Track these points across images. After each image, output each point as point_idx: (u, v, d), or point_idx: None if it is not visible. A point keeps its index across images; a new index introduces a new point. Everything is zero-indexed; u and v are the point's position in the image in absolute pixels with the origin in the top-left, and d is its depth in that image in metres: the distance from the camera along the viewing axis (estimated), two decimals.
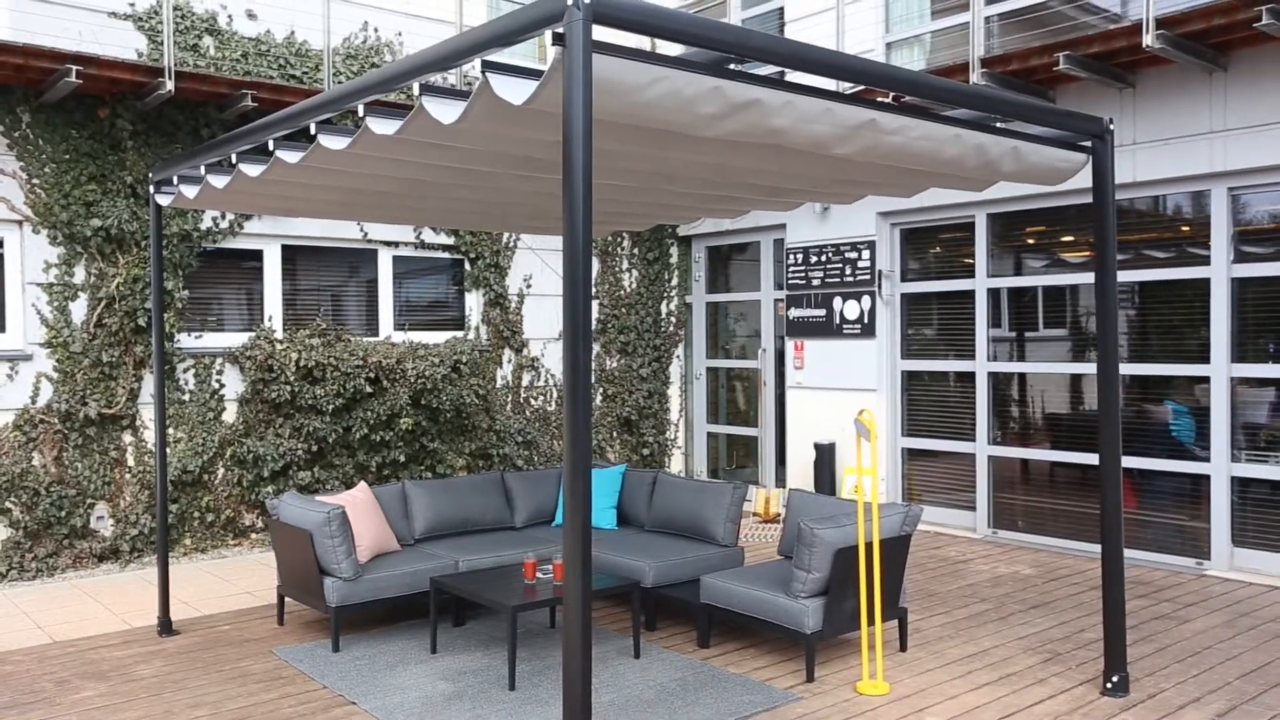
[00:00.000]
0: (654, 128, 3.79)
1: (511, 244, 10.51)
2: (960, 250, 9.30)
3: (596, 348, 11.23)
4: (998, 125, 4.86)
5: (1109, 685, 5.08)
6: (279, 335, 9.05)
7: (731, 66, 3.74)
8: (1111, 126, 5.16)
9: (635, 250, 11.52)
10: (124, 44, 8.22)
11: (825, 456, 9.83)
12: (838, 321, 9.99)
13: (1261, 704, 4.92)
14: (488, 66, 3.57)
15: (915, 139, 4.41)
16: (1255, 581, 7.29)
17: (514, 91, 3.51)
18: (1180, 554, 7.86)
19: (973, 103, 4.56)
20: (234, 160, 5.23)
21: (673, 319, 11.79)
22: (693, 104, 3.56)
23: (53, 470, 7.90)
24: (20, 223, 7.83)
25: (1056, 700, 5.02)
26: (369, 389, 9.11)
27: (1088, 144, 5.21)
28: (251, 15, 8.84)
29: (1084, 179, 8.10)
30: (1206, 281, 7.67)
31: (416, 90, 3.92)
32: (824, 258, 10.13)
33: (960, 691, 5.16)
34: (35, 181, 7.79)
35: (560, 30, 3.16)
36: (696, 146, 4.38)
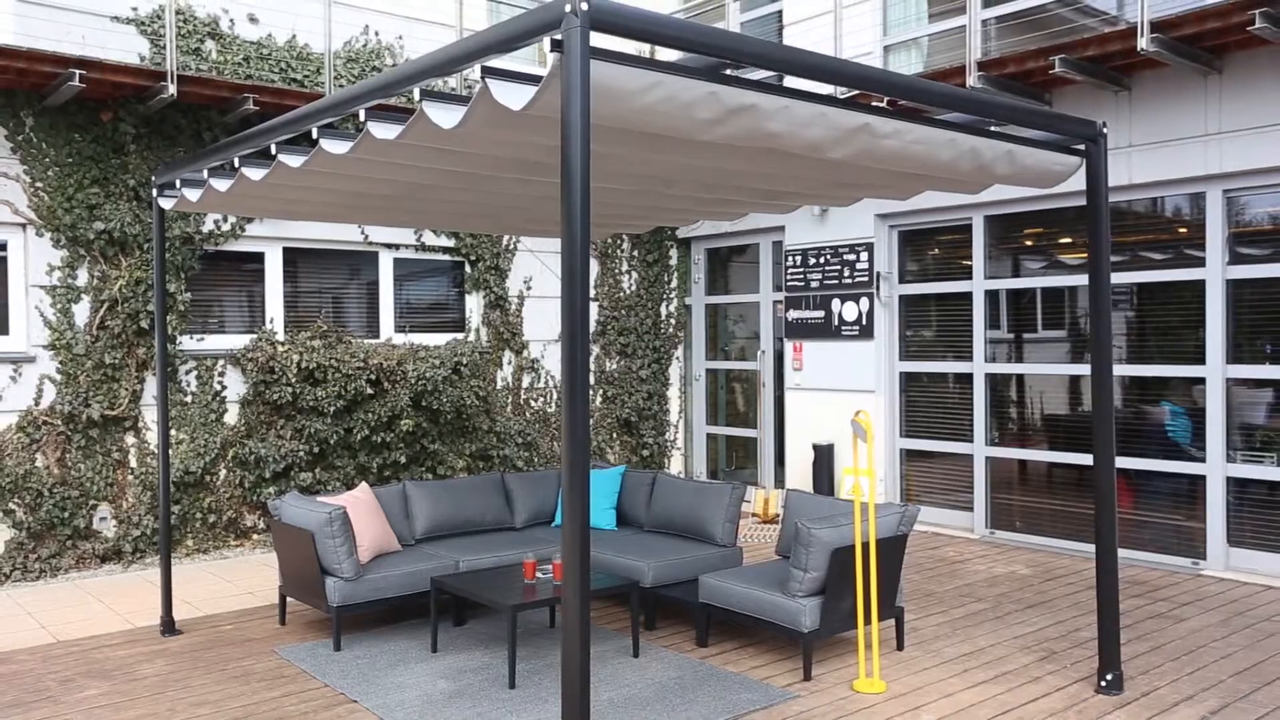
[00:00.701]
0: (652, 132, 3.84)
1: (511, 246, 10.56)
2: (958, 252, 9.35)
3: (596, 349, 11.28)
4: (992, 129, 4.91)
5: (1103, 683, 5.13)
6: (280, 337, 9.10)
7: (728, 72, 3.79)
8: (1105, 130, 5.21)
9: (635, 252, 11.57)
10: (127, 48, 8.27)
11: (824, 457, 9.88)
12: (836, 323, 10.04)
13: (1254, 701, 4.97)
14: (487, 72, 3.62)
15: (910, 143, 4.46)
16: (1250, 581, 7.33)
17: (513, 97, 3.56)
18: (1177, 554, 7.90)
19: (966, 106, 4.61)
20: (236, 164, 5.29)
21: (672, 321, 11.84)
22: (689, 109, 3.61)
23: (56, 471, 7.95)
24: (24, 226, 7.88)
25: (1051, 698, 5.07)
26: (370, 391, 9.16)
27: (1081, 147, 5.26)
28: (253, 19, 8.90)
29: (1080, 181, 8.15)
30: (1202, 283, 7.72)
31: (417, 95, 3.97)
32: (822, 260, 10.18)
33: (956, 690, 5.20)
34: (39, 185, 7.85)
35: (559, 37, 3.21)
36: (694, 150, 4.43)
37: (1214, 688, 5.17)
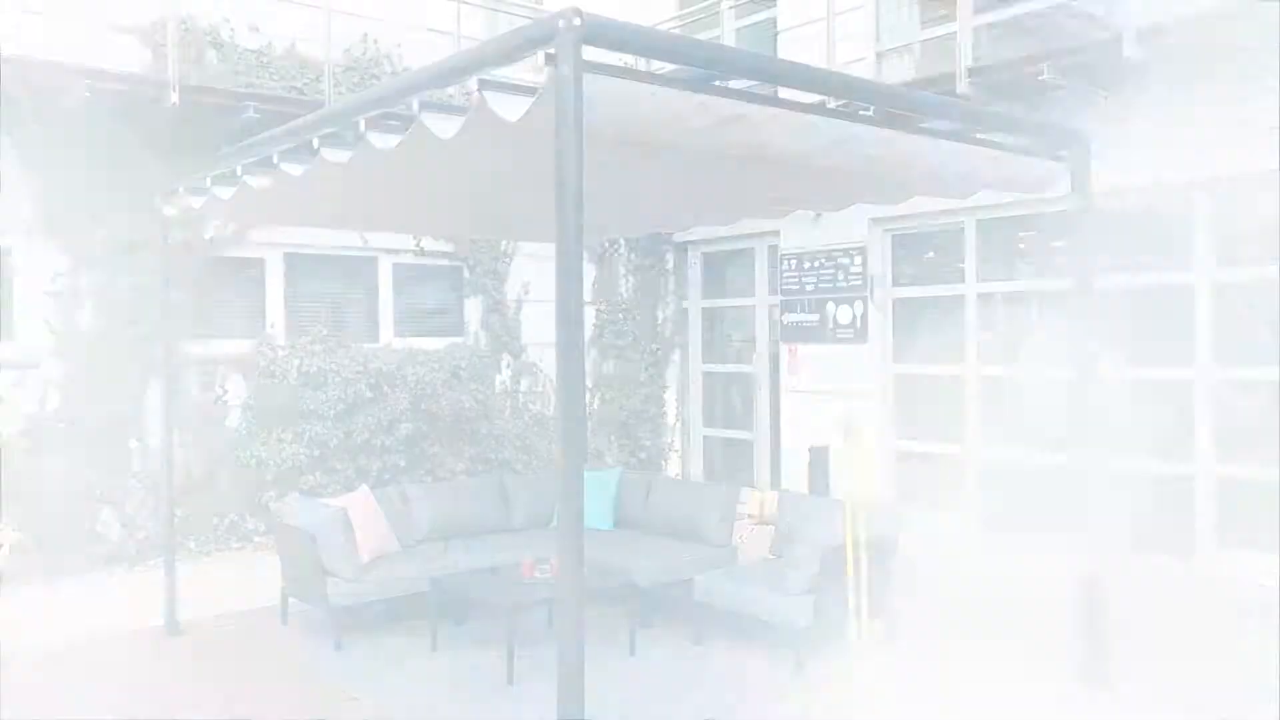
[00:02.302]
0: (644, 141, 3.95)
1: (509, 251, 10.65)
2: (951, 255, 9.45)
3: (594, 353, 11.37)
4: (978, 136, 5.01)
5: (1091, 680, 5.22)
6: (281, 342, 9.19)
7: (718, 83, 3.89)
8: (1088, 136, 5.31)
9: (631, 256, 11.66)
10: (129, 57, 8.36)
11: (819, 459, 9.95)
12: (831, 326, 10.13)
13: (1237, 697, 5.07)
14: (484, 84, 3.72)
15: (898, 151, 4.56)
16: (1239, 580, 7.40)
17: (509, 108, 3.66)
18: (1168, 553, 7.97)
19: (952, 115, 4.71)
20: (239, 172, 5.39)
21: (669, 324, 11.94)
22: (680, 119, 3.71)
23: (60, 475, 8.03)
24: (28, 232, 7.97)
25: (1040, 695, 5.16)
26: (369, 395, 9.25)
27: (1065, 153, 5.36)
28: (254, 28, 9.00)
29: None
30: (1191, 285, 7.81)
31: (416, 106, 4.07)
32: (817, 263, 10.28)
33: (947, 686, 5.29)
34: (43, 192, 7.94)
35: (552, 51, 3.32)
36: (686, 158, 4.53)
37: (1199, 684, 5.27)
